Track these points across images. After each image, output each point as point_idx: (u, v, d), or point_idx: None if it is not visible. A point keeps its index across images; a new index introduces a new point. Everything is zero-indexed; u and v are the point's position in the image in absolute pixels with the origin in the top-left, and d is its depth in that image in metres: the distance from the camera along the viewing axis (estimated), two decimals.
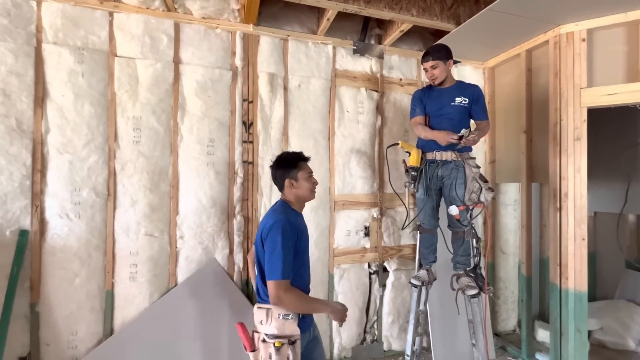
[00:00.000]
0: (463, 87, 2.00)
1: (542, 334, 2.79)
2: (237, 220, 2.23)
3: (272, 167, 1.49)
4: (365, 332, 2.60)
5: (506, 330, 2.99)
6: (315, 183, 1.47)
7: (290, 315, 1.31)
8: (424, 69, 2.02)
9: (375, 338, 2.62)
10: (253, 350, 1.33)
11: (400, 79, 2.69)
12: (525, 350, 2.56)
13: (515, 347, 2.69)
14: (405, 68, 2.71)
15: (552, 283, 2.34)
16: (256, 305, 1.38)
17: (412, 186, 1.95)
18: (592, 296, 3.13)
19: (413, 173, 1.94)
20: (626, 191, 2.20)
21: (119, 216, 2.01)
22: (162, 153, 2.10)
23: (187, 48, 2.16)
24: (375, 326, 2.62)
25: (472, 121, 2.06)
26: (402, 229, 2.38)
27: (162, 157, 2.10)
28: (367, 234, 2.57)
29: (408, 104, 2.71)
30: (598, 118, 2.49)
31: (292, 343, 1.28)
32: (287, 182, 1.43)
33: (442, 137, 1.85)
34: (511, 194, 3.00)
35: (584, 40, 2.20)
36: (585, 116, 2.20)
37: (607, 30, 2.18)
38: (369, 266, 2.60)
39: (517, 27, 2.31)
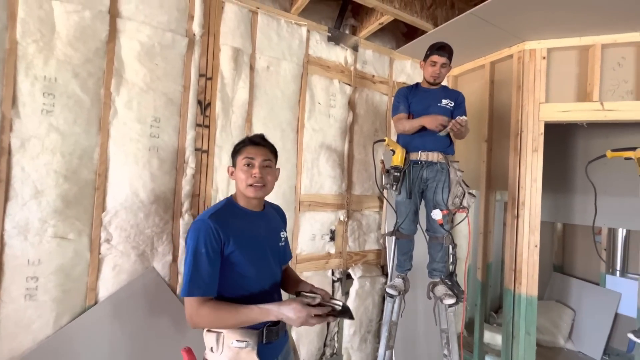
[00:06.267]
0: (448, 91, 1.97)
1: (487, 336, 2.92)
2: (185, 221, 1.82)
3: None
4: (325, 345, 2.38)
5: None
6: (253, 175, 1.11)
7: (246, 343, 1.02)
8: (432, 62, 1.87)
9: (334, 351, 2.42)
10: None
11: (373, 76, 2.56)
12: (477, 353, 2.62)
13: (465, 350, 2.74)
14: (379, 65, 2.59)
15: (506, 288, 2.42)
16: (206, 329, 1.07)
17: (393, 188, 1.80)
18: None
19: (396, 174, 1.79)
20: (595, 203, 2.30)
21: (13, 211, 1.45)
22: (87, 130, 1.60)
23: None
24: (336, 338, 2.42)
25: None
26: (393, 234, 2.10)
27: (86, 135, 1.60)
28: (332, 238, 2.36)
29: (380, 102, 2.61)
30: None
31: None
32: (228, 168, 1.20)
33: (432, 118, 1.75)
34: None
35: (544, 58, 2.34)
36: (542, 129, 2.33)
37: (563, 52, 2.35)
38: (333, 273, 2.40)
39: (486, 38, 2.36)
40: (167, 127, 1.79)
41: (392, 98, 2.64)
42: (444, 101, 1.88)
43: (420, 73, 2.80)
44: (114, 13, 1.66)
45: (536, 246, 2.32)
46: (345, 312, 1.07)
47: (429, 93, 1.92)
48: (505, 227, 2.51)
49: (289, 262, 1.40)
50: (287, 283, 1.31)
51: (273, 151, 1.21)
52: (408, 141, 1.88)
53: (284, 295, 1.25)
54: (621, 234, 3.09)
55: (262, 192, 1.14)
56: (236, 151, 1.17)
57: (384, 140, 1.82)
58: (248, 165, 1.12)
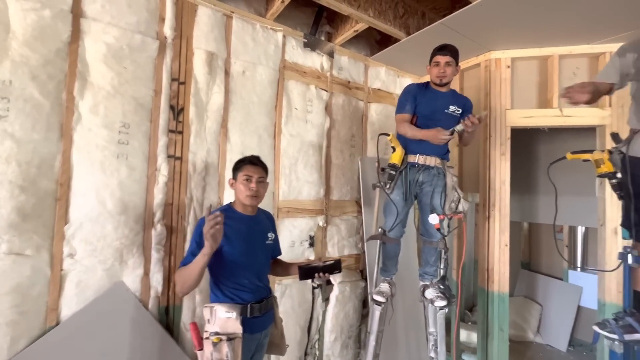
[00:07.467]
0: (457, 97, 1.92)
1: (463, 334, 3.00)
2: (157, 231, 1.74)
3: None
4: (306, 354, 2.34)
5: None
6: (251, 189, 1.43)
7: (233, 314, 1.31)
8: (436, 62, 1.83)
9: (316, 359, 2.38)
10: (201, 349, 1.33)
11: (349, 82, 2.59)
12: (454, 353, 2.68)
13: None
14: (354, 71, 2.63)
15: (480, 287, 2.51)
16: (205, 305, 1.40)
17: (387, 186, 1.77)
18: None
19: (391, 172, 1.76)
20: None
21: None
22: (46, 136, 1.48)
23: None
24: (317, 346, 2.39)
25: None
26: (379, 238, 1.95)
27: (46, 142, 1.48)
28: (312, 244, 2.35)
29: (356, 108, 2.64)
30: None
31: (230, 340, 1.27)
32: (229, 180, 1.52)
33: (434, 134, 1.72)
34: None
35: (508, 66, 2.48)
36: (509, 134, 2.45)
37: (525, 61, 2.50)
38: (313, 280, 2.37)
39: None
40: (137, 133, 1.70)
41: (368, 104, 2.70)
42: (452, 107, 1.83)
43: (394, 80, 2.89)
44: (77, 13, 1.57)
45: (506, 245, 2.42)
46: (335, 267, 1.50)
47: (438, 96, 1.86)
48: (477, 227, 2.62)
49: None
50: (279, 269, 1.70)
51: (265, 169, 1.52)
52: (407, 142, 1.85)
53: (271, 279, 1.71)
54: (580, 231, 3.32)
55: (256, 201, 1.47)
56: (237, 168, 1.48)
57: (388, 135, 1.79)
58: (247, 180, 1.43)
